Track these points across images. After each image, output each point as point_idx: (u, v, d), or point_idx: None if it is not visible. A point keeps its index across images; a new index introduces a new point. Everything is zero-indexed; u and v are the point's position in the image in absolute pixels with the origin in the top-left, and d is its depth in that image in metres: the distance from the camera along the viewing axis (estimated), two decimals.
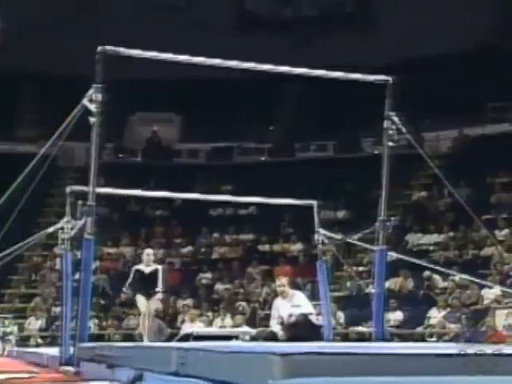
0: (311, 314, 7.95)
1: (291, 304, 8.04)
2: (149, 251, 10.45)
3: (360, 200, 16.26)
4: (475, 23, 20.29)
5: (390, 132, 6.59)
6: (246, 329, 12.46)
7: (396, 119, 6.55)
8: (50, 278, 15.78)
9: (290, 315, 7.89)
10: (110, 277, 15.93)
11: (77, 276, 6.41)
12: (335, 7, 22.87)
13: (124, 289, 10.65)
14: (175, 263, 16.97)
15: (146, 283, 9.86)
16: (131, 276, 10.06)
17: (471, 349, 3.43)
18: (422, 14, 20.70)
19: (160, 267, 10.26)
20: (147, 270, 9.95)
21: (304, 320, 7.79)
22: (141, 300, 9.78)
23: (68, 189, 6.64)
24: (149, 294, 9.82)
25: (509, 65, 18.30)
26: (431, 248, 15.13)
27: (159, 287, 9.91)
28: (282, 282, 8.26)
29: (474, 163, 16.34)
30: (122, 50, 6.00)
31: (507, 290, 10.74)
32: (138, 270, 10.04)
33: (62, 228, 6.34)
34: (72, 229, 6.25)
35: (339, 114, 18.87)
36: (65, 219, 6.34)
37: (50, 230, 6.51)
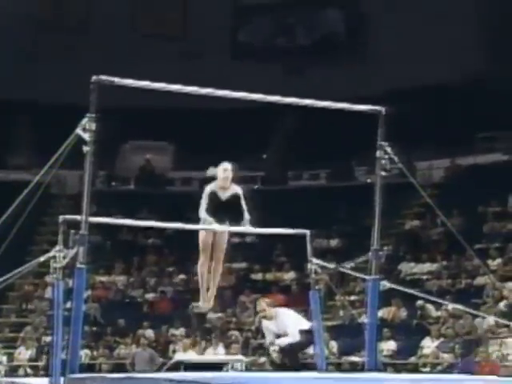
0: (302, 330, 7.92)
1: (277, 326, 8.12)
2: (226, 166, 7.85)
3: (353, 228, 16.28)
4: (465, 54, 20.52)
5: (383, 162, 6.63)
6: (237, 357, 12.37)
7: (388, 149, 6.60)
8: (41, 306, 15.67)
9: (275, 343, 7.91)
10: (101, 305, 15.83)
11: (68, 305, 6.37)
12: (328, 37, 23.08)
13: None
14: (167, 292, 16.89)
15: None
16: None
17: None
18: (414, 45, 20.92)
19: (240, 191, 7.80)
20: (224, 195, 7.66)
21: (291, 349, 7.80)
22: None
23: (61, 218, 6.64)
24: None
25: (498, 95, 18.50)
26: (424, 277, 15.13)
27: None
28: (261, 306, 8.41)
29: (466, 192, 16.40)
30: (117, 80, 6.03)
31: (501, 320, 10.72)
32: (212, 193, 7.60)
33: (54, 257, 6.32)
34: (64, 258, 6.23)
35: (332, 143, 18.96)
36: (57, 248, 6.33)
37: (42, 258, 6.49)
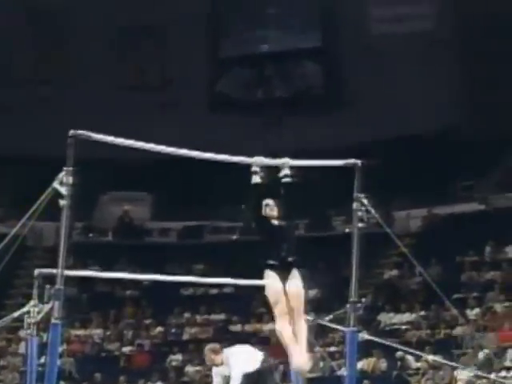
0: (246, 374, 7.26)
1: (228, 369, 7.52)
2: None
3: (332, 279, 16.25)
4: (439, 105, 20.89)
5: (360, 213, 6.67)
6: None
7: (365, 201, 6.64)
8: (14, 362, 15.36)
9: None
10: (77, 360, 15.57)
11: (42, 360, 6.25)
12: (306, 89, 23.40)
13: None
14: (145, 345, 16.67)
15: None
16: None
17: None
18: (391, 96, 21.27)
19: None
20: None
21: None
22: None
23: (36, 271, 6.57)
24: None
25: (474, 145, 18.79)
26: (403, 327, 15.08)
27: None
28: (208, 357, 7.70)
29: (444, 242, 16.50)
30: (94, 136, 6.04)
31: (480, 373, 10.67)
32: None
33: (28, 312, 6.22)
34: (39, 313, 6.14)
35: (310, 193, 19.03)
36: (31, 303, 6.24)
37: (16, 314, 6.39)
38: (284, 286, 6.14)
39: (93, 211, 20.44)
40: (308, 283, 18.73)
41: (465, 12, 21.29)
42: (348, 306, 6.76)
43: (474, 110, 20.79)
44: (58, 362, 6.16)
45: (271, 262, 6.24)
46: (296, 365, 6.23)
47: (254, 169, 6.58)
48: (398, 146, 19.81)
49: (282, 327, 6.10)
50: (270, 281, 6.15)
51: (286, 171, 6.63)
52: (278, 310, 6.08)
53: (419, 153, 19.41)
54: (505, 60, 20.35)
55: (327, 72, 23.26)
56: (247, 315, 17.02)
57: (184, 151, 6.50)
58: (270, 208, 6.57)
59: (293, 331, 6.14)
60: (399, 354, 13.59)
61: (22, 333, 12.05)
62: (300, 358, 6.13)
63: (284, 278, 6.15)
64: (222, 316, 17.16)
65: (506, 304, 14.24)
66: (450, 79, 21.35)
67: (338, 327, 7.44)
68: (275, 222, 6.58)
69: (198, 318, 17.21)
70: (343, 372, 8.59)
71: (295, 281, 6.22)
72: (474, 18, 21.01)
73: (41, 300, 6.24)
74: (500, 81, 20.67)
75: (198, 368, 15.41)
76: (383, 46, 21.95)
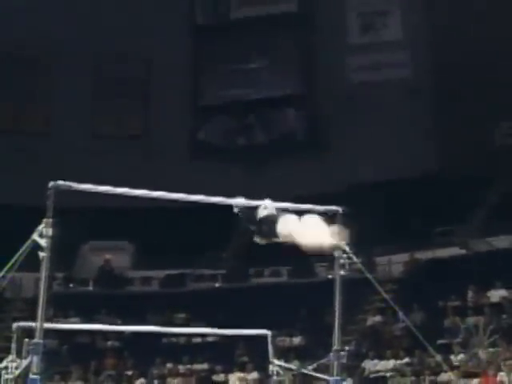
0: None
1: None
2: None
3: (315, 325, 16.12)
4: (420, 151, 21.12)
5: (341, 261, 6.66)
6: None
7: (347, 248, 6.63)
8: None
9: None
10: None
11: None
12: (287, 135, 23.59)
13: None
14: None
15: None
16: None
17: None
18: (371, 142, 21.50)
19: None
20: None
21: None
22: None
23: (14, 326, 6.44)
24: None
25: (453, 191, 18.93)
26: (388, 374, 14.94)
27: None
28: None
29: (426, 287, 16.48)
30: (75, 185, 5.99)
31: None
32: None
33: (6, 367, 6.09)
34: (17, 368, 6.01)
35: None
36: (9, 358, 6.11)
37: None
38: None
39: (73, 261, 20.27)
40: (291, 331, 18.37)
41: (441, 61, 21.70)
42: (331, 354, 6.69)
43: (451, 155, 21.05)
44: None
45: None
46: None
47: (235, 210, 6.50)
48: (377, 192, 19.92)
49: None
50: None
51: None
52: None
53: (398, 198, 19.52)
54: (479, 107, 20.72)
55: (307, 119, 23.50)
56: (230, 364, 16.80)
57: (165, 194, 6.45)
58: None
59: None
60: None
61: None
62: None
63: None
64: (204, 366, 16.93)
65: (490, 349, 14.18)
66: (426, 125, 21.64)
67: (322, 376, 7.35)
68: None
69: (181, 367, 16.96)
70: None
71: None
72: (450, 66, 21.41)
73: (19, 354, 6.11)
74: (475, 126, 21.00)
75: None
76: (361, 93, 22.26)
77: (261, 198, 7.02)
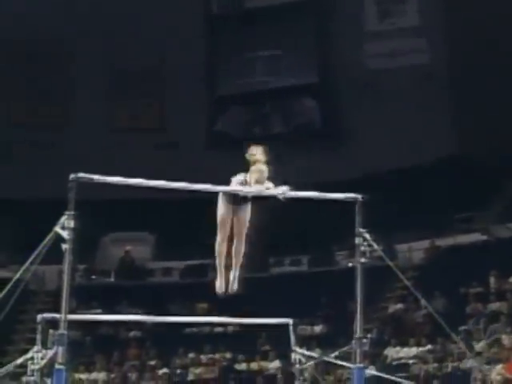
0: None
1: None
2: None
3: (336, 314, 16.12)
4: (437, 137, 20.97)
5: (362, 248, 6.64)
6: None
7: (367, 236, 6.61)
8: None
9: None
10: None
11: None
12: (303, 125, 23.50)
13: None
14: None
15: None
16: None
17: None
18: (388, 129, 21.37)
19: None
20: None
21: None
22: None
23: (39, 317, 6.50)
24: None
25: (473, 177, 18.80)
26: (410, 362, 14.91)
27: None
28: None
29: (447, 273, 16.40)
30: (96, 177, 6.02)
31: None
32: None
33: (31, 358, 6.15)
34: (42, 359, 6.07)
35: (312, 229, 19.00)
36: (35, 349, 6.17)
37: (20, 360, 6.32)
38: (235, 211, 6.93)
39: (95, 253, 20.39)
40: (312, 319, 18.41)
41: (457, 47, 21.52)
42: (354, 342, 6.69)
43: (470, 141, 20.88)
44: None
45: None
46: (217, 287, 7.18)
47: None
48: (396, 179, 19.82)
49: (220, 250, 7.01)
50: (222, 207, 6.94)
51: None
52: (221, 234, 6.97)
53: (418, 185, 19.42)
54: (496, 92, 20.52)
55: (324, 108, 23.40)
56: (252, 353, 16.84)
57: (184, 184, 6.49)
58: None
59: (232, 252, 7.07)
60: None
61: (25, 379, 11.88)
62: (222, 282, 7.14)
63: (236, 208, 6.90)
64: (227, 355, 16.99)
65: None
66: (445, 111, 21.47)
67: (345, 364, 7.35)
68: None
69: (203, 357, 17.03)
70: None
71: (244, 213, 6.97)
72: (466, 52, 21.24)
73: (44, 345, 6.17)
74: (494, 111, 20.81)
75: None
76: (378, 81, 22.13)
77: (278, 185, 7.03)
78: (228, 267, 7.15)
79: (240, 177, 6.94)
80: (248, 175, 6.94)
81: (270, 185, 6.93)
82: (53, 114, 23.30)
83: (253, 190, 6.69)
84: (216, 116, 24.05)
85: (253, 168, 6.94)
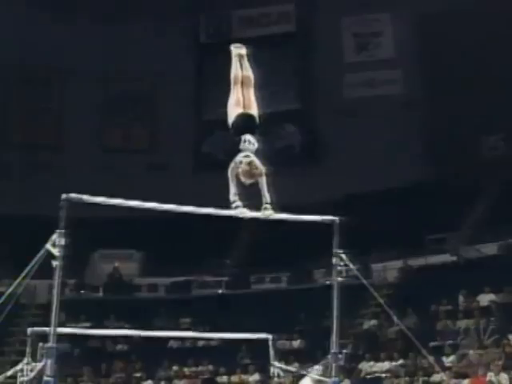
0: None
1: None
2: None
3: (314, 329, 16.10)
4: (413, 163, 21.15)
5: (339, 268, 6.68)
6: None
7: (343, 256, 6.64)
8: None
9: None
10: None
11: None
12: (285, 149, 23.59)
13: None
14: None
15: None
16: None
17: None
18: (366, 155, 21.54)
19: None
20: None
21: None
22: None
23: (29, 330, 6.45)
24: None
25: (444, 200, 18.96)
26: (383, 375, 14.91)
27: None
28: None
29: (419, 292, 16.46)
30: (86, 198, 6.00)
31: None
32: None
33: (21, 370, 6.10)
34: (32, 371, 6.02)
35: (292, 248, 19.02)
36: (24, 361, 6.12)
37: (10, 372, 6.26)
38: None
39: (84, 268, 20.27)
40: (291, 334, 18.27)
41: (430, 77, 21.81)
42: (330, 356, 6.70)
43: (441, 166, 21.10)
44: None
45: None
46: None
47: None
48: (372, 201, 19.92)
49: (234, 93, 6.95)
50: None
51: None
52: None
53: (392, 207, 19.53)
54: (466, 118, 20.81)
55: (304, 133, 23.54)
56: (233, 366, 16.77)
57: (172, 206, 6.48)
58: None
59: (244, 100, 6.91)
60: None
61: None
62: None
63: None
64: (209, 368, 16.90)
65: (479, 351, 14.16)
66: (418, 137, 21.69)
67: (322, 378, 7.34)
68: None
69: (186, 370, 16.93)
70: None
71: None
72: (439, 82, 21.52)
73: (34, 358, 6.12)
74: (464, 140, 21.08)
75: None
76: (355, 109, 22.34)
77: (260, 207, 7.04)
78: None
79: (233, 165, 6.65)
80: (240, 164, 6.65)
81: (263, 180, 6.73)
82: (48, 136, 23.29)
83: (237, 212, 6.53)
84: (202, 139, 24.12)
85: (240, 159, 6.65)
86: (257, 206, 6.66)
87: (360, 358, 15.56)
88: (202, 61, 24.04)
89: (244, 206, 6.46)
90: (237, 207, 6.37)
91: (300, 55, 23.80)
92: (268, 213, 6.50)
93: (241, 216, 6.38)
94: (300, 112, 23.63)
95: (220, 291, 19.78)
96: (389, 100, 22.17)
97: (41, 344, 5.89)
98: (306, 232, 14.59)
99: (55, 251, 5.82)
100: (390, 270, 18.39)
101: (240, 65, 7.02)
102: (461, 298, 16.06)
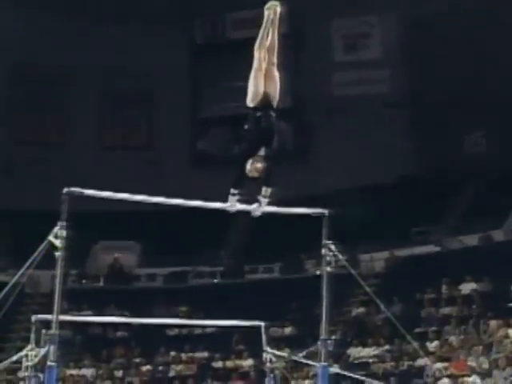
0: None
1: None
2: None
3: (304, 317, 16.16)
4: (398, 158, 21.21)
5: (328, 258, 6.70)
6: None
7: (332, 247, 6.67)
8: None
9: None
10: None
11: None
12: (278, 145, 23.61)
13: None
14: (134, 382, 16.37)
15: None
16: None
17: None
18: (354, 151, 21.59)
19: None
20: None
21: None
22: None
23: (33, 318, 6.49)
24: None
25: (428, 194, 19.04)
26: (370, 360, 14.99)
27: None
28: None
29: (405, 281, 16.54)
30: (86, 191, 6.01)
31: None
32: None
33: (26, 355, 6.13)
34: (36, 356, 6.05)
35: (283, 239, 19.07)
36: (29, 347, 6.15)
37: (14, 358, 6.30)
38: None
39: (86, 259, 20.27)
40: (283, 322, 18.35)
41: (415, 77, 21.86)
42: (319, 342, 6.73)
43: (426, 162, 21.17)
44: None
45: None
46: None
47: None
48: (360, 195, 19.97)
49: (256, 65, 6.43)
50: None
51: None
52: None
53: (380, 201, 19.59)
54: (451, 118, 20.88)
55: (296, 129, 23.56)
56: (228, 352, 16.82)
57: (160, 199, 6.49)
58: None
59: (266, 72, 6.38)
60: None
61: (21, 374, 11.76)
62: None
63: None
64: (205, 354, 16.95)
65: (461, 337, 14.25)
66: (404, 135, 21.75)
67: (311, 362, 7.39)
68: None
69: (183, 356, 16.98)
70: None
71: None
72: (424, 81, 21.57)
73: (38, 344, 6.15)
74: (447, 136, 21.16)
75: None
76: (344, 107, 22.39)
77: (255, 200, 7.05)
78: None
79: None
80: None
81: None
82: (50, 134, 23.26)
83: (226, 205, 6.46)
84: (199, 136, 24.11)
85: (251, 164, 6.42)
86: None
87: (348, 343, 15.64)
88: (197, 61, 24.04)
89: (241, 201, 6.31)
90: (231, 201, 6.24)
91: (291, 56, 23.79)
92: (257, 209, 6.39)
93: (228, 209, 6.28)
94: (292, 110, 23.64)
95: (215, 281, 19.82)
96: (376, 98, 22.21)
97: (44, 331, 5.93)
98: (298, 224, 14.66)
99: (57, 243, 5.83)
100: (377, 260, 18.47)
101: (267, 33, 6.39)
102: (444, 287, 16.15)
